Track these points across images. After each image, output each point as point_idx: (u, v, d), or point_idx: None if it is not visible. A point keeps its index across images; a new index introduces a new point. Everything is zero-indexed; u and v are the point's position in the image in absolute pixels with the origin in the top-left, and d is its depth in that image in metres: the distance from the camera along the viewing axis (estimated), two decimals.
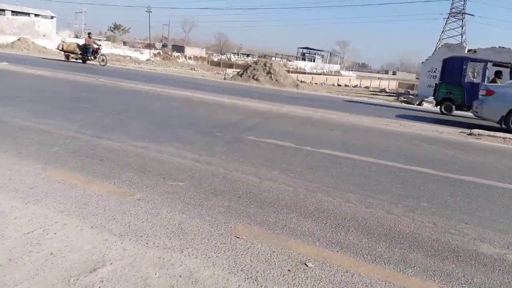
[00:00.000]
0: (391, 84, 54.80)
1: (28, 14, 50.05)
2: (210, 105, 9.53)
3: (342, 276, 2.16)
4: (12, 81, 10.85)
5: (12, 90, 8.74)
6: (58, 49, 24.44)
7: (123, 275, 1.97)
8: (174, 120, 6.77)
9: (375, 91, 39.94)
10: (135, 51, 60.37)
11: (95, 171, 3.63)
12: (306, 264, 2.24)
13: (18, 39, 40.27)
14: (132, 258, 2.14)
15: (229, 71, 36.69)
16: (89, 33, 26.72)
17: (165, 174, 3.73)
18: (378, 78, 68.16)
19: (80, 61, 23.14)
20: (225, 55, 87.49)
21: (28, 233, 2.34)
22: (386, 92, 39.81)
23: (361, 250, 2.49)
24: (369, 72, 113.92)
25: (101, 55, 23.11)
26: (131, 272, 2.01)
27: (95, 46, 22.88)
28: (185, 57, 67.41)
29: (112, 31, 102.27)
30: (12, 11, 48.39)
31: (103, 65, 22.43)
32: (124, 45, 73.63)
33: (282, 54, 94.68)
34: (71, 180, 3.31)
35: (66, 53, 23.52)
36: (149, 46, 68.59)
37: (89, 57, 22.76)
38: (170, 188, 3.34)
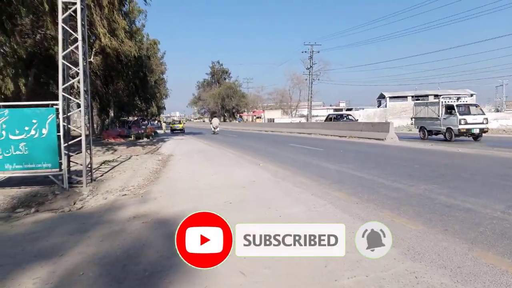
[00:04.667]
0: None
1: (449, 96, 54.69)
2: None
3: None
4: (433, 159, 11.67)
5: (435, 169, 9.35)
6: None
7: None
8: None
9: None
10: None
11: None
12: None
13: None
14: None
15: None
16: None
17: None
18: None
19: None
20: None
21: None
22: None
23: None
24: None
25: None
26: None
27: None
28: None
29: None
30: (435, 95, 54.45)
31: None
32: None
33: None
34: (501, 265, 3.12)
35: None
36: None
37: None
38: None
